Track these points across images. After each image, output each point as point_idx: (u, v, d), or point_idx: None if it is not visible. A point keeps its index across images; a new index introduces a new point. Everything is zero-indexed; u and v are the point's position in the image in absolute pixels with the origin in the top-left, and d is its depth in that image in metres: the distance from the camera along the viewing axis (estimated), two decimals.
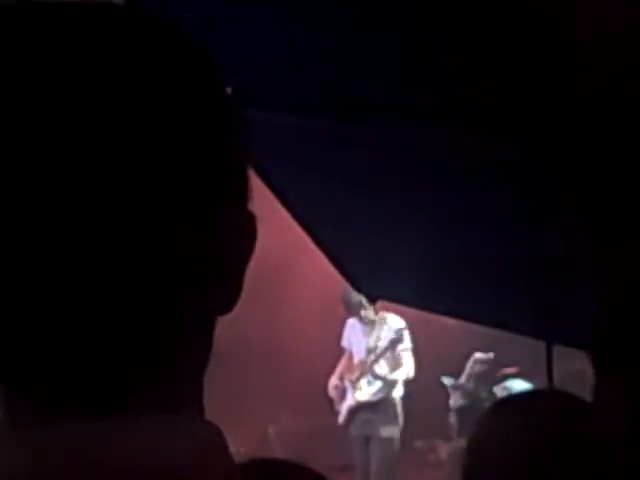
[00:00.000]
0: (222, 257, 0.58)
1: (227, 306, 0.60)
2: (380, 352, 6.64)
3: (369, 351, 6.70)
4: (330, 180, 2.18)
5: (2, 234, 0.53)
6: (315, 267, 3.92)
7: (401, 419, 6.63)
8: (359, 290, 3.21)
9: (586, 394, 1.47)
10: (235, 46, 1.41)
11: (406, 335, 6.69)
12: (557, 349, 2.95)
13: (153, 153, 0.54)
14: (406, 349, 6.69)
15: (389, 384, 6.65)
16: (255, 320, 6.90)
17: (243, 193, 0.60)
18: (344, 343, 6.98)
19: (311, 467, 0.69)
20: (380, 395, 6.64)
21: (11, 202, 0.52)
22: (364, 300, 6.28)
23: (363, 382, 6.71)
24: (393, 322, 6.65)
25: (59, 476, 0.52)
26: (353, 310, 6.73)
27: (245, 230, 0.60)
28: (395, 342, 6.61)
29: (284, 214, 2.48)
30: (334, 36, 1.46)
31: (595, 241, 1.89)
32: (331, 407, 6.95)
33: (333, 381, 6.92)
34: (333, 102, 1.73)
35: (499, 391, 7.62)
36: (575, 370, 5.43)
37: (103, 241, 0.53)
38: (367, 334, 6.75)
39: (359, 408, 6.69)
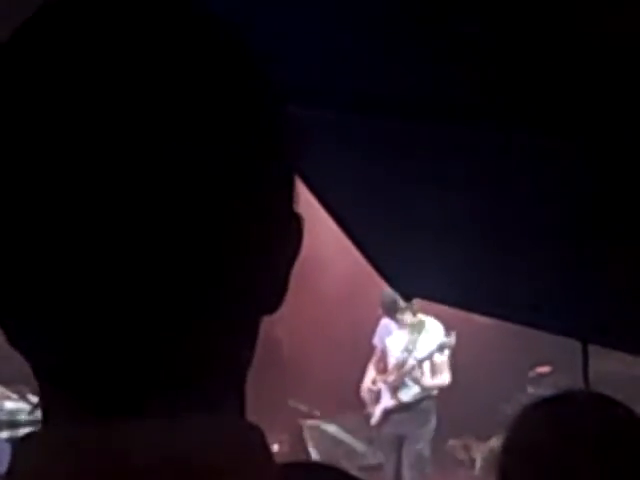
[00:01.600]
0: (269, 257, 0.57)
1: (272, 306, 0.60)
2: (424, 356, 6.63)
3: (406, 353, 6.68)
4: (368, 176, 2.17)
5: (52, 232, 0.52)
6: (343, 263, 3.90)
7: (433, 422, 6.61)
8: (394, 288, 3.20)
9: (621, 395, 1.47)
10: (276, 37, 1.40)
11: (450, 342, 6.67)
12: (592, 349, 2.92)
13: (210, 149, 0.54)
14: (444, 357, 6.67)
15: (427, 388, 6.63)
16: (283, 316, 6.89)
17: (290, 193, 0.60)
18: (376, 341, 6.97)
19: (350, 473, 0.68)
20: (417, 398, 6.63)
21: (66, 193, 0.52)
22: (400, 302, 6.36)
23: (400, 384, 6.69)
24: (432, 326, 6.63)
25: (100, 476, 0.52)
26: (388, 311, 6.70)
27: (292, 230, 0.60)
28: (442, 348, 6.58)
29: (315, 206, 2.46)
30: (370, 33, 1.45)
31: (631, 241, 1.89)
32: (363, 406, 6.94)
33: (367, 383, 6.92)
34: (382, 99, 1.72)
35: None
36: (609, 371, 5.42)
37: (151, 237, 0.52)
38: (404, 336, 6.73)
39: (394, 410, 6.67)
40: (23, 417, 6.09)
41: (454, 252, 2.50)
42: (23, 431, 6.23)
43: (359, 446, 7.78)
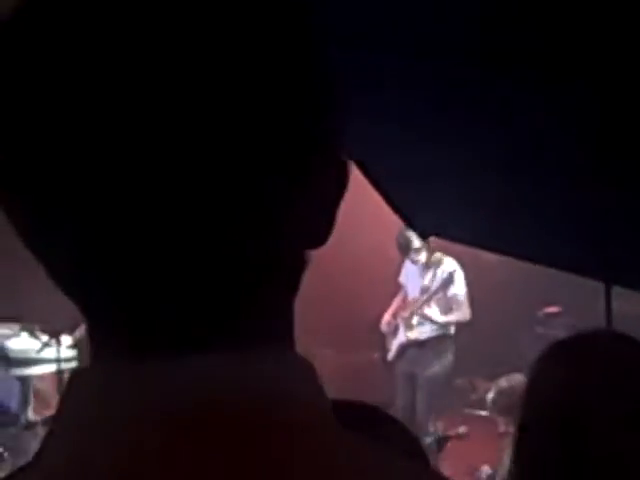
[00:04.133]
0: (312, 191, 0.58)
1: (319, 240, 0.60)
2: (430, 293, 6.64)
3: (423, 290, 6.70)
4: (386, 120, 2.14)
5: (91, 190, 0.53)
6: (369, 205, 3.87)
7: (449, 360, 6.64)
8: (412, 226, 3.18)
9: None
10: None
11: (459, 278, 6.67)
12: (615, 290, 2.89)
13: (248, 91, 0.54)
14: (459, 293, 6.66)
15: (440, 325, 6.65)
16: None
17: (336, 136, 0.60)
18: (401, 279, 7.01)
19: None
20: (430, 334, 6.65)
21: (101, 160, 0.52)
22: (415, 242, 6.41)
23: (414, 320, 6.71)
24: (447, 264, 6.62)
25: (155, 409, 0.53)
26: (403, 252, 6.72)
27: (338, 171, 0.60)
28: (446, 283, 6.59)
29: None
30: None
31: None
32: (381, 343, 6.98)
33: (386, 317, 6.97)
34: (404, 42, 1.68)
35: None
36: (632, 313, 5.41)
37: (194, 171, 0.53)
38: (421, 274, 6.74)
39: (408, 345, 6.71)
40: (33, 355, 6.11)
41: (472, 191, 2.48)
42: (33, 369, 6.27)
43: (373, 382, 7.82)
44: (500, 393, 5.40)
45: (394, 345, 6.84)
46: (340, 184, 0.60)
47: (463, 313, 6.65)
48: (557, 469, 1.34)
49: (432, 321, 6.65)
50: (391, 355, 6.86)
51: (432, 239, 3.44)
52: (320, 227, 0.60)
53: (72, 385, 0.57)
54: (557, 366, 1.43)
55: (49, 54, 0.53)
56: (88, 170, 0.52)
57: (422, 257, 6.65)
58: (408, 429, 0.70)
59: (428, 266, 6.68)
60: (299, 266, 0.60)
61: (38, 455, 0.56)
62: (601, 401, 1.34)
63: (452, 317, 6.66)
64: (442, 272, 6.62)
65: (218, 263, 0.55)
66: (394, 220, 3.11)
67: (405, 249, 6.69)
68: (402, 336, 6.78)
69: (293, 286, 0.60)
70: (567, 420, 1.34)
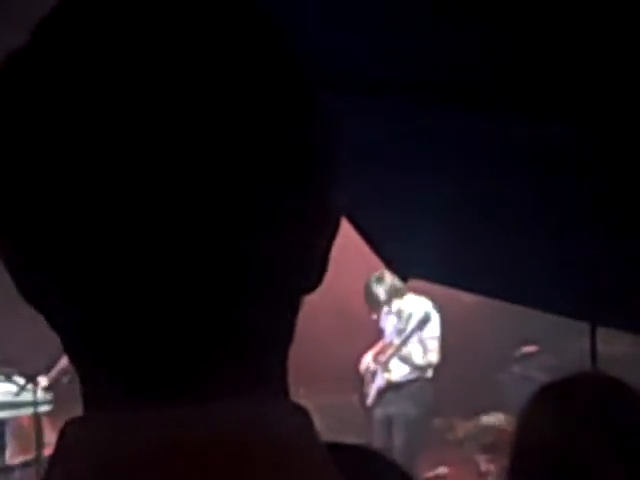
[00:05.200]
0: (309, 236, 0.58)
1: (312, 285, 0.60)
2: (408, 334, 6.64)
3: (399, 332, 6.69)
4: (367, 159, 2.15)
5: (93, 223, 0.52)
6: (354, 245, 3.88)
7: (426, 402, 6.63)
8: (391, 269, 3.19)
9: (627, 378, 1.45)
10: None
11: (435, 319, 6.68)
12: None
13: (251, 127, 0.53)
14: (433, 336, 6.67)
15: (417, 367, 6.64)
16: None
17: (333, 177, 0.60)
18: (381, 323, 7.01)
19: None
20: (408, 377, 6.64)
21: (107, 182, 0.51)
22: (381, 296, 6.46)
23: (392, 363, 6.70)
24: (422, 305, 6.64)
25: (144, 459, 0.52)
26: (373, 307, 6.79)
27: (329, 217, 0.59)
28: (422, 323, 6.60)
29: None
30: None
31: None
32: (360, 385, 6.97)
33: (365, 360, 6.95)
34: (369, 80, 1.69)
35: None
36: (617, 353, 5.41)
37: (188, 217, 0.52)
38: (398, 315, 6.75)
39: (387, 388, 6.70)
40: (9, 399, 6.04)
41: (453, 234, 2.49)
42: (9, 412, 6.20)
43: (354, 425, 7.79)
44: (483, 430, 5.40)
45: (373, 389, 6.82)
46: (335, 227, 0.60)
47: (431, 356, 6.66)
48: None
49: (411, 363, 6.64)
50: (370, 399, 6.83)
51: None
52: (315, 270, 0.60)
53: (66, 434, 0.56)
54: (547, 411, 1.43)
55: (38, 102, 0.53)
56: (77, 209, 0.52)
57: (395, 305, 6.69)
58: (407, 473, 0.70)
59: (400, 311, 6.70)
60: (295, 310, 0.60)
61: None
62: (595, 444, 1.34)
63: (427, 359, 6.66)
64: (417, 313, 6.64)
65: (213, 306, 0.54)
66: (378, 261, 3.13)
67: (374, 304, 6.74)
68: (380, 379, 6.76)
69: (290, 331, 0.60)
70: (561, 464, 1.34)
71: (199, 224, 0.52)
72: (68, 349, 0.57)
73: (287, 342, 0.60)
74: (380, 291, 6.45)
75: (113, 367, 0.55)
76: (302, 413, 0.58)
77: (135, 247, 0.52)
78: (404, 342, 6.66)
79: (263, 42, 0.56)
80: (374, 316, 6.97)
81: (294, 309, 0.60)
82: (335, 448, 0.59)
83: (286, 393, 0.59)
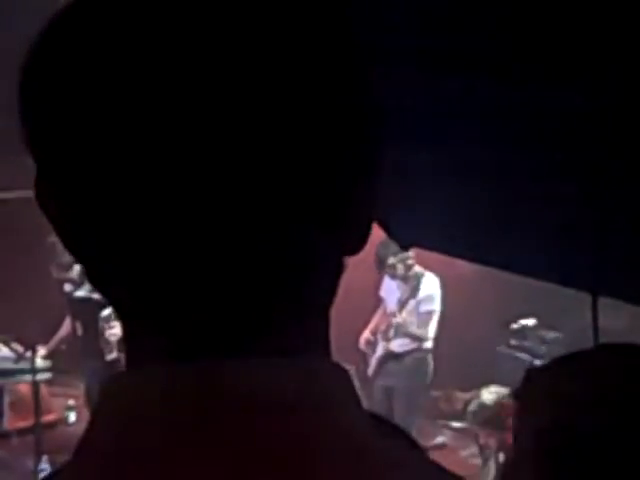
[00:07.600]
0: (349, 201, 0.59)
1: (355, 247, 0.61)
2: (407, 306, 6.65)
3: (400, 304, 6.70)
4: None
5: (145, 189, 0.54)
6: None
7: (426, 373, 6.65)
8: (392, 236, 3.17)
9: None
10: None
11: (437, 297, 6.69)
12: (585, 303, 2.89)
13: (292, 101, 0.55)
14: (434, 310, 6.69)
15: (417, 339, 6.66)
16: None
17: (378, 150, 0.61)
18: (381, 293, 7.02)
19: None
20: (407, 348, 6.65)
21: (150, 158, 0.53)
22: (390, 259, 6.46)
23: (392, 334, 6.71)
24: (428, 280, 6.65)
25: (192, 413, 0.53)
26: (378, 266, 6.73)
27: (371, 177, 0.61)
28: (426, 301, 6.61)
29: None
30: None
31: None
32: (360, 357, 6.98)
33: (365, 334, 6.98)
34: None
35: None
36: (619, 327, 5.39)
37: (238, 182, 0.54)
38: (399, 287, 6.75)
39: (387, 358, 6.72)
40: (8, 366, 6.05)
41: (454, 199, 2.47)
42: (8, 380, 6.22)
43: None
44: (482, 406, 5.40)
45: (373, 360, 6.85)
46: (374, 188, 0.61)
47: (428, 329, 6.67)
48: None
49: (408, 334, 6.65)
50: (371, 370, 6.86)
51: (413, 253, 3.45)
52: (359, 232, 0.61)
53: (111, 389, 0.57)
54: (559, 384, 1.39)
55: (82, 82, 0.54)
56: (130, 176, 0.54)
57: (398, 272, 6.66)
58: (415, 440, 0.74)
59: (405, 280, 6.69)
60: (338, 271, 0.61)
61: (76, 454, 0.57)
62: (610, 416, 1.31)
63: (430, 330, 6.67)
64: (423, 286, 6.64)
65: (261, 265, 0.56)
66: (378, 233, 3.11)
67: (380, 264, 6.72)
68: (380, 349, 6.78)
69: (332, 290, 0.61)
70: (576, 437, 1.31)
71: (261, 189, 0.54)
72: (121, 306, 0.59)
73: (329, 304, 0.61)
74: (391, 253, 6.41)
75: (158, 323, 0.56)
76: (344, 371, 0.59)
77: (186, 200, 0.53)
78: (400, 311, 6.66)
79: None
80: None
81: (338, 270, 0.61)
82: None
83: (329, 353, 0.61)
